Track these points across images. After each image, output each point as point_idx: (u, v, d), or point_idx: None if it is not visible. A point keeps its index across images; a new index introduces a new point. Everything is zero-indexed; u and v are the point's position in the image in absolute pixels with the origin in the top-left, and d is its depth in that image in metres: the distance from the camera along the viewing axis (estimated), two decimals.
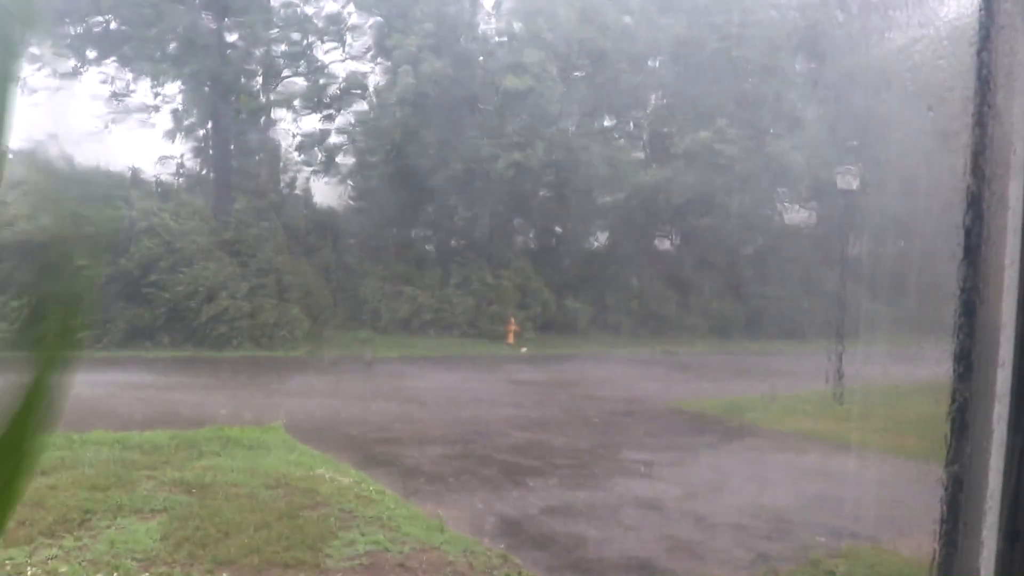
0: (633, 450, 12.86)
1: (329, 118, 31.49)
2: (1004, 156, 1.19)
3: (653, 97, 35.39)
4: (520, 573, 7.10)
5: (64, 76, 26.18)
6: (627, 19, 33.01)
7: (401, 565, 7.03)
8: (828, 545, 8.19)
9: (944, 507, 1.25)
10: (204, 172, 30.55)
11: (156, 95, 28.40)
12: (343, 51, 31.00)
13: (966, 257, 1.25)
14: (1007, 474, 1.16)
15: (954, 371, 1.24)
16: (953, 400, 1.22)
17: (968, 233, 1.24)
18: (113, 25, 26.82)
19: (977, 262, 1.23)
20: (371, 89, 31.49)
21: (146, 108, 28.61)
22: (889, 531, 7.98)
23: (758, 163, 31.91)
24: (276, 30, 28.83)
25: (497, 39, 32.63)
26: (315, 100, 30.46)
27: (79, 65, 26.60)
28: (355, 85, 30.93)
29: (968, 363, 1.22)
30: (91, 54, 26.90)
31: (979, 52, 1.21)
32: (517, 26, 32.09)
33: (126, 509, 7.85)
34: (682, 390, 19.68)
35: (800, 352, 24.31)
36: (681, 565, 7.69)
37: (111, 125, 27.89)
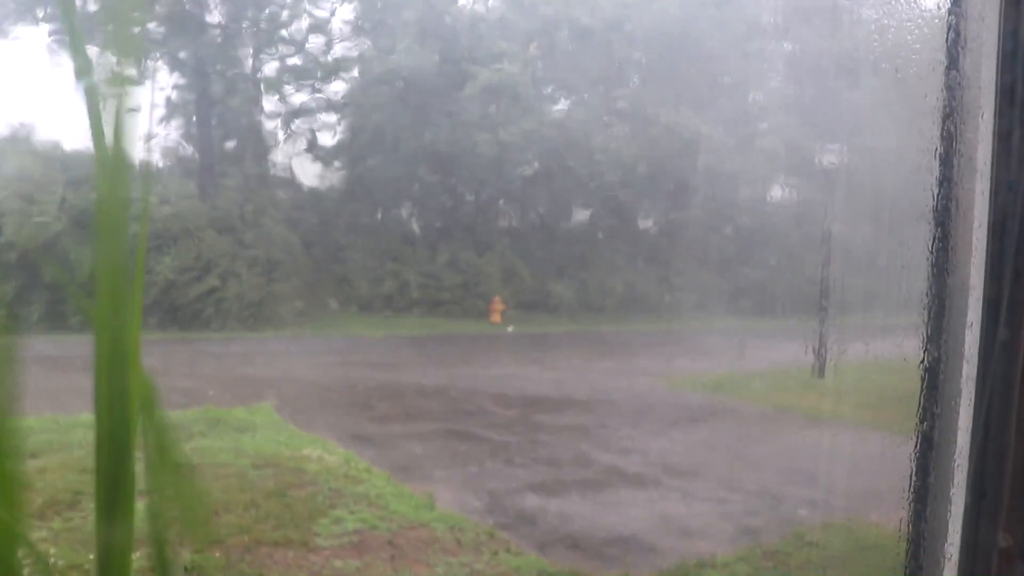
0: (617, 426, 12.95)
1: (314, 97, 31.35)
2: (973, 120, 1.20)
3: (636, 77, 35.30)
4: (508, 548, 7.16)
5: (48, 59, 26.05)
6: None
7: (390, 542, 7.08)
8: (806, 517, 8.28)
9: (914, 465, 1.27)
10: (190, 152, 30.38)
11: (139, 75, 28.08)
12: (326, 30, 30.77)
13: (935, 220, 1.27)
14: (975, 433, 1.19)
15: (924, 332, 1.27)
16: (923, 360, 1.25)
17: (937, 196, 1.26)
18: (92, 6, 26.51)
19: (946, 225, 1.25)
20: (356, 68, 31.34)
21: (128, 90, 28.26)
22: (865, 501, 8.05)
23: (738, 139, 31.94)
24: (259, 9, 28.58)
25: (480, 18, 32.44)
26: (299, 79, 30.29)
27: (60, 47, 26.30)
28: (339, 64, 30.75)
29: (938, 324, 1.25)
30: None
31: (948, 15, 1.23)
32: (500, 5, 31.92)
33: None
34: (665, 366, 19.77)
35: (783, 328, 24.39)
36: (665, 540, 7.77)
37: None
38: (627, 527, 8.13)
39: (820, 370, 15.72)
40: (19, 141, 24.47)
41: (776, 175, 35.42)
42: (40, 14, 25.84)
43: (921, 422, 1.25)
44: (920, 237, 1.28)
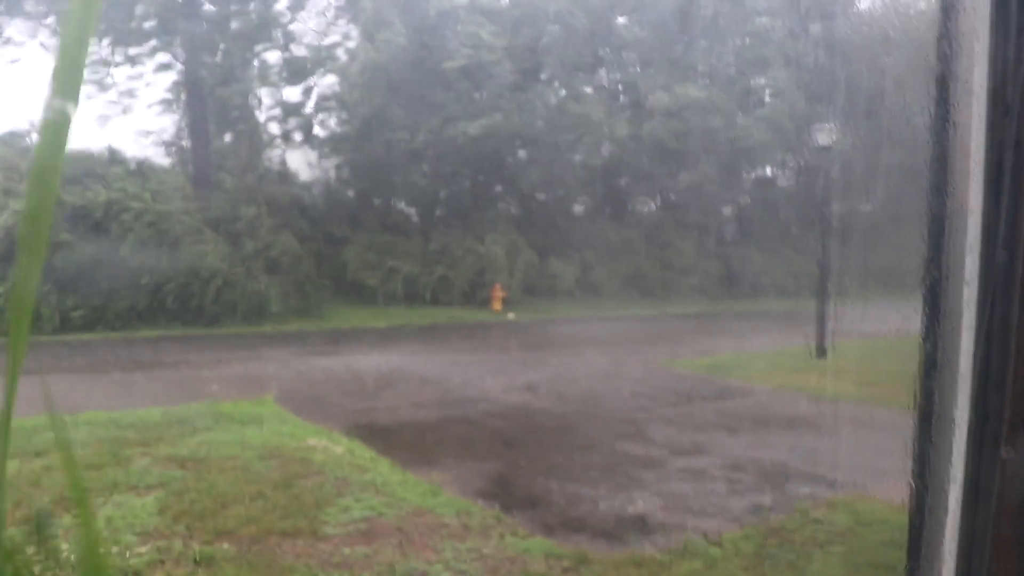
0: (621, 410, 12.99)
1: (305, 91, 31.35)
2: (968, 44, 1.21)
3: (630, 56, 35.19)
4: (516, 532, 7.18)
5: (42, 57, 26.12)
6: None
7: (398, 529, 7.10)
8: (811, 494, 8.31)
9: (918, 386, 1.28)
10: (183, 149, 30.40)
11: (132, 74, 28.21)
12: (315, 22, 30.79)
13: (933, 143, 1.27)
14: (976, 356, 1.20)
15: (925, 254, 1.27)
16: (924, 280, 1.26)
17: (934, 118, 1.27)
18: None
19: (944, 147, 1.25)
20: (342, 60, 31.26)
21: (122, 87, 28.42)
22: (869, 477, 8.16)
23: (737, 121, 31.91)
24: (249, 4, 28.55)
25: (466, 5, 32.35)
26: (289, 73, 30.26)
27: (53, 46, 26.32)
28: (327, 56, 30.71)
29: (938, 246, 1.25)
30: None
31: None
32: None
33: (122, 486, 7.88)
34: (668, 350, 19.82)
35: (783, 309, 24.50)
36: (672, 516, 7.79)
37: (88, 105, 27.70)
38: (632, 501, 8.16)
39: (821, 350, 15.80)
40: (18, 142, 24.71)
41: (780, 158, 35.42)
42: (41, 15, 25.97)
43: (924, 341, 1.26)
44: (919, 168, 1.29)
